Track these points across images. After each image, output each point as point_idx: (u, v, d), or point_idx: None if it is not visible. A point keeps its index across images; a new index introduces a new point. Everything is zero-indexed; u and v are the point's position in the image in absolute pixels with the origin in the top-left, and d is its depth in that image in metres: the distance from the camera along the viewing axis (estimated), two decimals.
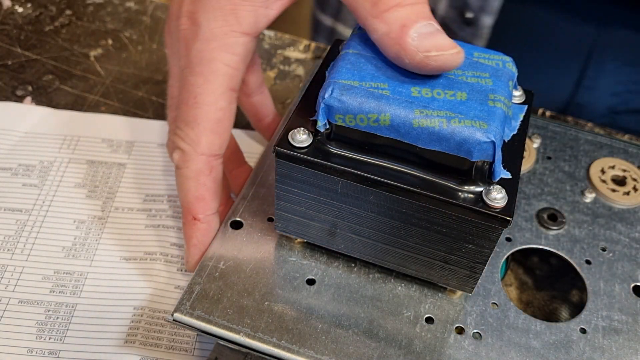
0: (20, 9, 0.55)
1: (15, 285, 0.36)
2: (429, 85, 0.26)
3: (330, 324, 0.29)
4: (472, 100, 0.26)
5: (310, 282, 0.31)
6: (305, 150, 0.27)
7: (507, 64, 0.28)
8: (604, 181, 0.37)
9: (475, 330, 0.29)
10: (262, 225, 0.33)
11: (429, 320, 0.29)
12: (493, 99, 0.26)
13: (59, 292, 0.36)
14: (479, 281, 0.30)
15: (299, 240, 0.32)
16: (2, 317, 0.35)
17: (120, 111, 0.47)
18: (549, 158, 0.38)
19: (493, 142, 0.25)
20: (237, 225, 0.33)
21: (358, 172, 0.27)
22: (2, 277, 0.37)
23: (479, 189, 0.26)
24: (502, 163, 0.26)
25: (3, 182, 0.42)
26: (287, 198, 0.30)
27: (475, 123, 0.25)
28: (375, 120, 0.26)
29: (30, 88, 0.48)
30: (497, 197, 0.25)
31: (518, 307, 0.31)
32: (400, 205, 0.27)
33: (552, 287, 0.36)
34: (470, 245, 0.27)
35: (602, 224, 0.35)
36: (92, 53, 0.52)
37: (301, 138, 0.27)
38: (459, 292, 0.30)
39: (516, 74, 0.29)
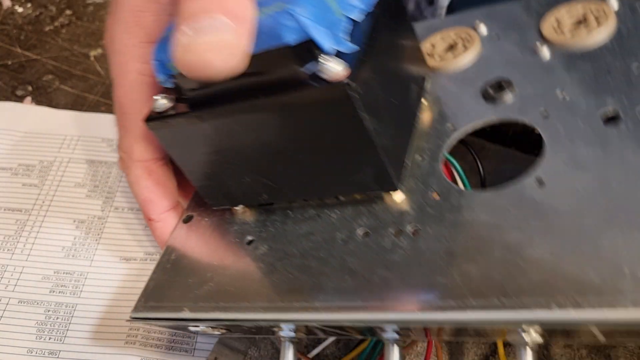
0: (20, 9, 0.55)
1: (15, 285, 0.36)
2: None
3: (265, 273, 0.28)
4: None
5: (250, 242, 0.30)
6: (169, 111, 0.28)
7: None
8: (559, 31, 0.32)
9: (413, 227, 0.27)
10: (210, 212, 0.33)
11: (365, 234, 0.28)
12: None
13: (59, 292, 0.36)
14: (416, 177, 0.28)
15: (240, 210, 0.32)
16: (2, 317, 0.35)
17: None
18: (498, 38, 0.34)
19: (296, 18, 0.23)
20: (187, 219, 0.34)
21: (210, 110, 0.27)
22: (2, 277, 0.37)
23: (316, 68, 0.24)
24: (345, 36, 0.25)
25: (3, 182, 0.42)
26: (189, 168, 0.30)
27: (276, 7, 0.24)
28: None
29: (30, 88, 0.48)
30: (336, 68, 0.24)
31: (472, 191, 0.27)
32: (267, 121, 0.26)
33: (513, 161, 0.33)
34: (342, 131, 0.25)
35: (560, 72, 0.30)
36: (92, 53, 0.52)
37: (161, 103, 0.28)
38: (398, 197, 0.28)
39: None
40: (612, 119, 0.26)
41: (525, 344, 0.22)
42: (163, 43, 0.26)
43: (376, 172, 0.27)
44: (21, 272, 0.37)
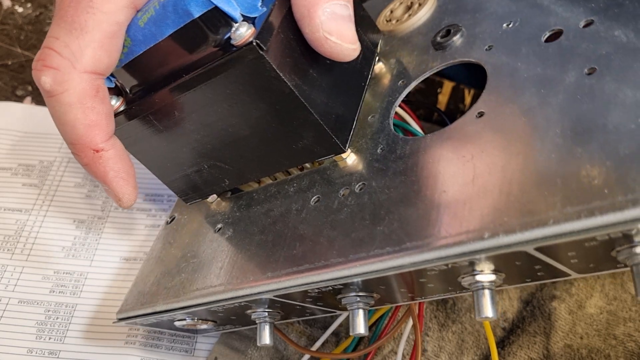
0: (20, 9, 0.55)
1: (15, 285, 0.36)
2: None
3: (228, 254, 0.29)
4: None
5: (219, 229, 0.31)
6: (121, 109, 0.28)
7: None
8: None
9: (359, 185, 0.26)
10: (190, 209, 0.34)
11: (316, 201, 0.27)
12: None
13: (59, 292, 0.36)
14: (367, 137, 0.28)
15: (214, 201, 0.33)
16: (2, 317, 0.35)
17: None
18: None
19: None
20: (171, 220, 0.35)
21: (146, 101, 0.27)
22: (2, 277, 0.37)
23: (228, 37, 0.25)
24: (258, 2, 0.25)
25: (3, 182, 0.42)
26: (152, 165, 0.31)
27: None
28: (123, 45, 0.26)
29: (30, 88, 0.48)
30: (243, 33, 0.24)
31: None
32: (201, 100, 0.26)
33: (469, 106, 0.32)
34: (272, 97, 0.26)
35: (509, 4, 0.29)
36: None
37: (112, 103, 0.28)
38: (349, 159, 0.28)
39: None
40: (553, 37, 0.26)
41: (481, 285, 0.22)
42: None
43: (318, 136, 0.27)
44: (21, 272, 0.37)
